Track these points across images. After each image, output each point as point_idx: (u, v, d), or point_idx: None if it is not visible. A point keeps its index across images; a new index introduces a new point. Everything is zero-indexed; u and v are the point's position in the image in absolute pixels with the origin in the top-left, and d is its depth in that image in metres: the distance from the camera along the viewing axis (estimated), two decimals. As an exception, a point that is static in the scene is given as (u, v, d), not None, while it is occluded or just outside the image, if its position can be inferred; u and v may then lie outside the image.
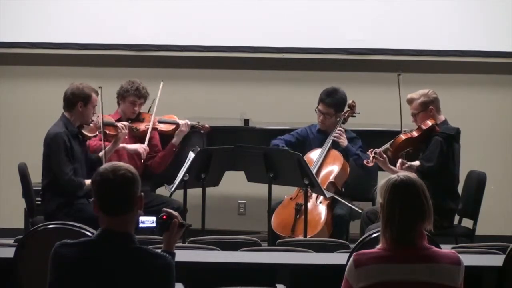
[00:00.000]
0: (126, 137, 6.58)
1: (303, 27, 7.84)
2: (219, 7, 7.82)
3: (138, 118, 6.74)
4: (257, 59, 7.93)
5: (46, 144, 6.11)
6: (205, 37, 7.84)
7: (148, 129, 6.65)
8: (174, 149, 6.73)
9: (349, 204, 6.40)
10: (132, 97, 6.65)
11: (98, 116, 6.24)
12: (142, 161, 6.57)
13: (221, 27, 7.83)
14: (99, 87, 6.16)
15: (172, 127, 6.75)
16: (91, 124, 6.22)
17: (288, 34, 7.85)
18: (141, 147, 6.59)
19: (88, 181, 5.98)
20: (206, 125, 6.78)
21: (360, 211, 6.38)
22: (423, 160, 6.09)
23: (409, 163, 6.10)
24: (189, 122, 6.75)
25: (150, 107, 6.84)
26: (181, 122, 6.75)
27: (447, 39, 7.87)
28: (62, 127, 6.08)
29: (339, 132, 6.65)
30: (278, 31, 7.83)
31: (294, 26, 7.84)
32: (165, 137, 6.82)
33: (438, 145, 6.05)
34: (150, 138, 6.66)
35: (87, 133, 6.20)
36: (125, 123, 6.46)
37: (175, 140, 6.74)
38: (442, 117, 6.20)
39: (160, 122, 6.76)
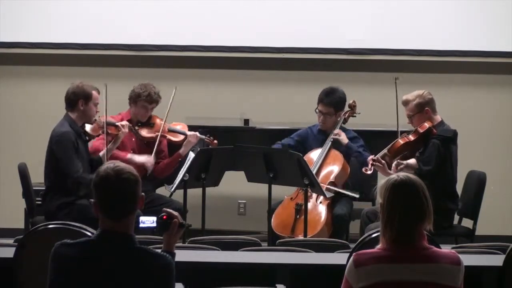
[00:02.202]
0: (134, 139, 6.60)
1: (303, 27, 7.84)
2: (219, 7, 7.83)
3: (149, 122, 6.72)
4: (257, 59, 7.93)
5: (53, 143, 6.10)
6: (205, 37, 7.85)
7: (157, 136, 6.63)
8: (179, 159, 6.70)
9: (345, 192, 6.40)
10: (144, 102, 6.64)
11: (100, 116, 6.25)
12: (147, 174, 6.56)
13: (221, 27, 7.84)
14: (105, 84, 6.16)
15: (181, 137, 6.71)
16: (94, 124, 6.23)
17: (288, 34, 7.85)
18: (149, 162, 6.55)
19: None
20: (215, 141, 6.72)
21: (357, 196, 6.38)
22: (421, 163, 6.08)
23: (405, 162, 6.10)
24: (198, 135, 6.72)
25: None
26: (190, 133, 6.71)
27: (447, 39, 7.87)
28: (68, 126, 6.10)
29: (337, 132, 6.65)
30: (278, 31, 7.83)
31: (294, 26, 7.84)
32: (171, 146, 6.80)
33: (435, 148, 6.04)
34: (158, 143, 6.64)
35: (90, 133, 6.22)
36: (125, 122, 6.46)
37: (183, 150, 6.69)
38: (438, 118, 6.20)
39: (169, 130, 6.73)
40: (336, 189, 6.45)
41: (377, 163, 6.11)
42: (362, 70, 7.95)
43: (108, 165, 3.25)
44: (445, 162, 6.07)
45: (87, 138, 6.26)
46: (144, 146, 6.70)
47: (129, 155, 6.55)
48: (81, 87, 6.15)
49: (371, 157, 6.18)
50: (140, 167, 6.43)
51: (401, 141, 6.13)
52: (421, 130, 6.09)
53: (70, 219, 4.78)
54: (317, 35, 7.86)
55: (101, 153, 6.33)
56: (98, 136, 6.33)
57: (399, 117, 6.24)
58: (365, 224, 6.23)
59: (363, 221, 6.30)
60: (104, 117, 6.24)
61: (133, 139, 6.69)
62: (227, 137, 7.05)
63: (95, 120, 6.23)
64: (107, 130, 6.27)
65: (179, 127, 6.80)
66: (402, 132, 6.22)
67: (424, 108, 6.12)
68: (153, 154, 6.58)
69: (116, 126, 6.37)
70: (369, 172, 6.18)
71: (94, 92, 6.17)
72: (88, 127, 6.21)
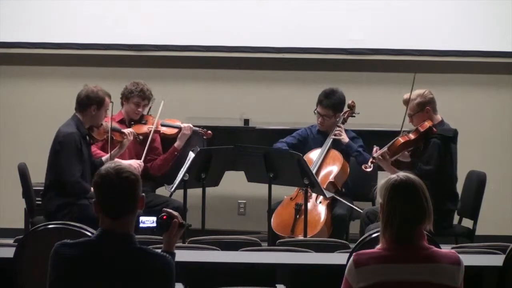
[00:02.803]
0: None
1: (303, 27, 7.84)
2: (219, 7, 7.82)
3: (141, 120, 6.74)
4: (257, 59, 7.93)
5: (57, 142, 6.10)
6: (205, 37, 7.84)
7: (150, 131, 6.64)
8: (176, 153, 6.71)
9: (349, 204, 6.41)
10: (136, 98, 6.65)
11: (106, 121, 6.25)
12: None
13: (221, 27, 7.83)
14: (111, 102, 6.16)
15: (175, 131, 6.74)
16: (100, 128, 6.23)
17: (288, 34, 7.84)
18: (136, 163, 6.48)
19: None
20: (209, 132, 6.74)
21: (361, 211, 6.38)
22: (421, 163, 6.09)
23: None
24: (191, 126, 6.73)
25: (149, 108, 6.83)
26: (184, 125, 6.73)
27: (447, 39, 7.87)
28: (74, 127, 6.09)
29: (338, 129, 6.65)
30: (278, 31, 7.83)
31: (294, 26, 7.84)
32: (167, 140, 6.80)
33: (436, 148, 6.05)
34: (151, 140, 6.65)
35: (95, 136, 6.23)
36: (131, 130, 6.46)
37: (178, 144, 6.72)
38: (438, 117, 6.20)
39: (163, 125, 6.75)
40: (344, 201, 6.43)
41: (381, 158, 6.10)
42: (362, 70, 7.95)
43: (109, 164, 3.26)
44: (445, 162, 6.08)
45: (91, 141, 6.26)
46: (138, 144, 6.69)
47: (116, 160, 6.51)
48: (95, 92, 6.14)
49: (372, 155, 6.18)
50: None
51: (401, 140, 6.13)
52: (421, 129, 6.09)
53: (70, 219, 4.78)
54: (317, 35, 7.85)
55: (104, 158, 6.32)
56: (102, 140, 6.34)
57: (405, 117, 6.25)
58: (365, 224, 6.23)
59: (363, 221, 6.30)
60: (109, 122, 6.24)
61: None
62: (227, 137, 7.05)
63: (102, 124, 6.24)
64: (112, 136, 6.28)
65: (171, 122, 6.81)
66: (403, 131, 6.23)
67: (425, 108, 6.12)
68: (147, 145, 6.57)
69: (121, 133, 6.37)
70: (368, 170, 6.18)
71: (107, 99, 6.18)
72: (93, 131, 6.21)
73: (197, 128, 6.74)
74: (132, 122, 6.71)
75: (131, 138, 6.41)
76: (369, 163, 6.16)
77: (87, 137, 6.19)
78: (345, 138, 6.65)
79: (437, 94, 6.27)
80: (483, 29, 7.88)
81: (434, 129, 6.08)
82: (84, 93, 6.17)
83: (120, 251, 3.18)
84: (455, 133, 6.16)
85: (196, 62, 7.94)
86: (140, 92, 6.64)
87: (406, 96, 6.18)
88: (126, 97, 6.68)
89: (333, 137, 6.65)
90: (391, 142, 6.16)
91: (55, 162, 6.09)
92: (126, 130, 6.40)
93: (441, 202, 5.90)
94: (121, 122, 6.68)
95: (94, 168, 6.15)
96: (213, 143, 6.88)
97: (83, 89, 6.20)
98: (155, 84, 6.83)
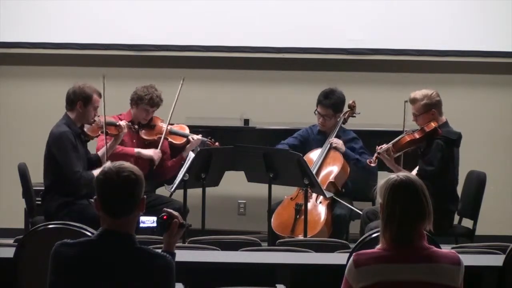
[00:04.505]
0: (134, 141, 6.61)
1: (303, 27, 7.84)
2: (219, 7, 7.82)
3: (150, 124, 6.72)
4: (257, 59, 7.93)
5: (51, 144, 6.08)
6: (205, 37, 7.84)
7: (159, 138, 6.63)
8: (182, 162, 6.70)
9: (349, 206, 6.41)
10: (145, 105, 6.64)
11: (99, 116, 6.24)
12: (154, 166, 6.58)
13: (221, 27, 7.83)
14: (103, 75, 6.14)
15: (183, 140, 6.71)
16: (93, 124, 6.22)
17: (288, 34, 7.85)
18: (156, 154, 6.57)
19: (96, 172, 5.97)
20: (217, 143, 6.72)
21: (360, 212, 6.38)
22: (424, 163, 6.09)
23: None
24: (200, 138, 6.70)
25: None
26: (192, 138, 6.70)
27: (447, 39, 7.87)
28: (65, 126, 6.08)
29: (334, 139, 6.63)
30: (278, 31, 7.83)
31: (294, 26, 7.84)
32: (174, 147, 6.79)
33: (439, 149, 6.04)
34: (161, 145, 6.65)
35: (89, 133, 6.21)
36: (125, 122, 6.45)
37: (185, 154, 6.69)
38: (443, 119, 6.20)
39: (171, 133, 6.72)
40: (343, 202, 6.43)
41: (385, 154, 6.11)
42: (362, 70, 7.95)
43: (113, 163, 3.27)
44: (447, 164, 6.08)
45: (86, 138, 6.25)
46: (145, 147, 6.70)
47: (136, 150, 6.58)
48: (82, 88, 6.11)
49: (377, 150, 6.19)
50: (148, 160, 6.58)
51: (407, 138, 6.14)
52: (427, 129, 6.10)
53: (70, 219, 4.78)
54: (317, 35, 7.85)
55: (99, 152, 6.33)
56: (97, 136, 6.33)
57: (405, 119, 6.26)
58: (365, 224, 6.23)
59: (363, 221, 6.31)
60: (103, 118, 6.23)
61: (134, 141, 6.70)
62: (227, 137, 7.05)
63: (94, 120, 6.22)
64: (107, 130, 6.26)
65: (180, 129, 6.79)
66: (406, 131, 6.24)
67: (430, 110, 6.11)
68: (158, 148, 6.59)
69: (116, 126, 6.37)
70: (373, 164, 6.18)
71: (94, 95, 6.12)
72: (86, 128, 6.20)
73: (205, 139, 6.70)
74: (140, 125, 6.70)
75: (126, 130, 6.40)
76: (374, 158, 6.16)
77: (81, 136, 6.17)
78: (341, 148, 6.64)
79: (437, 94, 6.27)
80: (483, 29, 7.88)
81: (439, 130, 6.08)
82: (71, 90, 6.15)
83: (120, 251, 3.18)
84: (458, 136, 6.16)
85: (196, 62, 7.94)
86: (150, 100, 6.61)
87: (413, 95, 6.17)
88: (135, 102, 6.66)
89: (329, 146, 6.64)
90: (396, 139, 6.15)
91: (54, 163, 6.06)
92: (119, 122, 6.38)
93: (442, 202, 5.90)
94: (130, 122, 6.66)
95: (91, 164, 6.16)
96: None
97: (71, 87, 6.19)
98: (155, 84, 6.81)
